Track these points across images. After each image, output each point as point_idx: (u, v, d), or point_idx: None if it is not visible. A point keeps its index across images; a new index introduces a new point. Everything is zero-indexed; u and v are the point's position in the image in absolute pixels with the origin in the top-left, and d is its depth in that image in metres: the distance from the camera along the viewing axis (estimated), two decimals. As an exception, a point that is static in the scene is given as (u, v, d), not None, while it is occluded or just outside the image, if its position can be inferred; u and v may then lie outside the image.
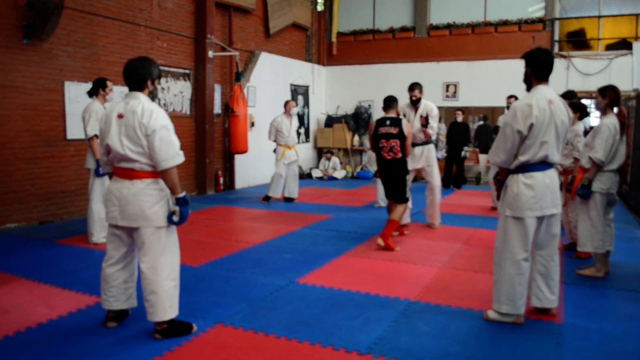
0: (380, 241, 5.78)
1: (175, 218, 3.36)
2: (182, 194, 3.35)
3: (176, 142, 3.34)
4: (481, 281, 4.67)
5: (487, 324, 3.71)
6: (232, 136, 10.02)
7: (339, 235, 6.45)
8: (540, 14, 11.91)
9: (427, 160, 6.91)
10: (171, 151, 3.27)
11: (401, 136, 5.78)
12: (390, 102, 6.04)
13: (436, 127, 7.03)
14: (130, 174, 3.33)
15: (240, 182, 11.00)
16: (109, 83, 5.98)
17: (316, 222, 7.28)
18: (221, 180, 10.53)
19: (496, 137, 3.77)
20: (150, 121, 3.23)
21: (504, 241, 3.70)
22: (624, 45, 11.20)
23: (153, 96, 3.50)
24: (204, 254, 5.49)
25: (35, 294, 4.27)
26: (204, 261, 5.24)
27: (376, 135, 5.89)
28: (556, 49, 11.62)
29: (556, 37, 11.74)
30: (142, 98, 3.36)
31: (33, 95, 6.97)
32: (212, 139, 10.06)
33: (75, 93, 7.44)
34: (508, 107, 8.22)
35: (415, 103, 6.90)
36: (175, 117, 9.35)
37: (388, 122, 5.83)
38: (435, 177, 7.02)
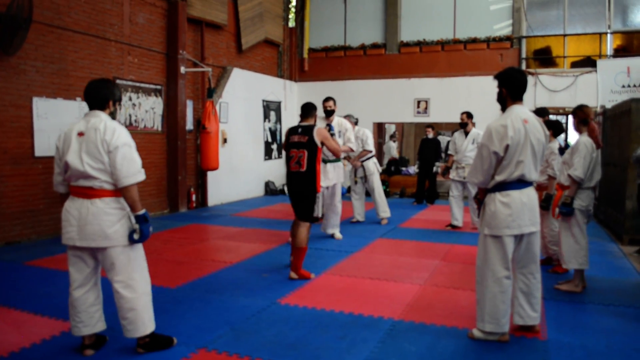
0: (292, 274, 5.29)
1: (136, 236, 3.32)
2: (142, 212, 3.33)
3: (138, 160, 3.34)
4: (463, 298, 4.68)
5: (473, 343, 3.70)
6: (203, 153, 9.87)
7: (317, 254, 6.38)
8: (507, 32, 12.20)
9: (337, 177, 7.14)
10: (132, 168, 3.27)
11: (310, 146, 5.33)
12: (307, 110, 5.66)
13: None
14: (89, 193, 3.28)
15: (213, 199, 10.85)
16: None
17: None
18: (193, 197, 10.36)
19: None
20: (112, 138, 3.23)
21: (484, 260, 3.71)
22: (588, 62, 11.55)
23: (113, 117, 3.50)
24: (181, 275, 5.36)
25: (5, 320, 4.07)
26: (182, 282, 5.11)
27: (287, 144, 5.50)
28: (523, 66, 11.90)
29: (523, 55, 12.03)
30: (103, 116, 3.38)
31: (-1, 112, 6.75)
32: (184, 155, 9.92)
33: (44, 109, 7.23)
34: (461, 124, 8.29)
35: (328, 115, 7.14)
36: (146, 133, 9.19)
37: (300, 130, 5.44)
38: (336, 197, 7.21)
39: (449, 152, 8.61)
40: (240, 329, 3.90)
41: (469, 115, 8.27)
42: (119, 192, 3.31)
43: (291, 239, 5.52)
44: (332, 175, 7.05)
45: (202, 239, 7.46)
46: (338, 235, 7.39)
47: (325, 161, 6.79)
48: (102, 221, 3.24)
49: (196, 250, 6.61)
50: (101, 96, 3.40)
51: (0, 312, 4.25)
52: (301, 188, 5.37)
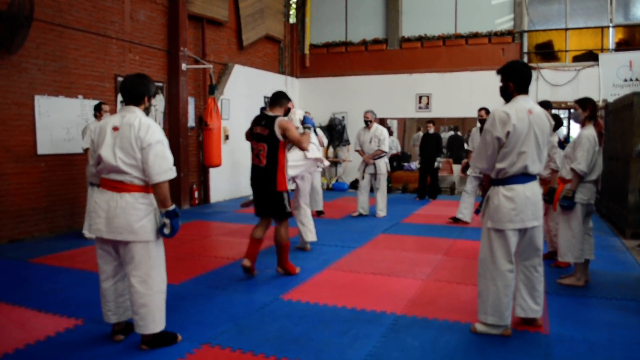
0: (279, 269, 5.24)
1: (167, 230, 3.41)
2: (172, 207, 3.40)
3: (170, 158, 3.39)
4: (465, 293, 4.68)
5: (475, 337, 3.70)
6: (205, 149, 9.90)
7: (319, 249, 6.40)
8: (509, 26, 12.17)
9: (303, 166, 6.23)
10: (164, 166, 3.33)
11: (271, 139, 4.84)
12: (276, 99, 5.12)
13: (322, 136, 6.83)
14: (119, 187, 3.34)
15: (215, 195, 10.87)
16: (103, 106, 6.81)
17: (295, 236, 7.17)
18: (196, 194, 10.38)
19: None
20: (147, 135, 3.28)
21: (488, 253, 3.70)
22: (590, 56, 11.51)
23: (147, 112, 3.57)
24: (184, 271, 5.37)
25: (10, 317, 4.09)
26: (185, 278, 5.12)
27: (251, 135, 5.08)
28: (525, 60, 11.85)
29: (525, 49, 12.00)
30: (138, 112, 3.42)
31: (2, 110, 6.75)
32: (186, 152, 9.93)
33: (46, 107, 7.25)
34: (479, 120, 8.29)
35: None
36: (148, 130, 9.18)
37: (263, 122, 4.95)
38: (302, 194, 6.31)
39: (468, 148, 8.70)
40: (244, 325, 3.92)
41: (488, 112, 8.26)
42: (148, 187, 3.38)
43: (250, 241, 5.16)
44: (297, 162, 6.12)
45: (204, 235, 7.47)
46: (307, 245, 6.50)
47: None
48: (129, 215, 3.30)
49: (199, 247, 6.62)
50: (137, 92, 3.45)
51: (4, 309, 4.27)
52: (263, 185, 4.98)
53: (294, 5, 14.21)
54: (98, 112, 6.84)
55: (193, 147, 10.37)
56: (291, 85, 13.81)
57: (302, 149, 5.16)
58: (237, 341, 3.60)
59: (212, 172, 10.65)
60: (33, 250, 6.40)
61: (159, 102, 9.49)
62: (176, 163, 9.84)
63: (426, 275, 5.26)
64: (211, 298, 4.55)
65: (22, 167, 7.01)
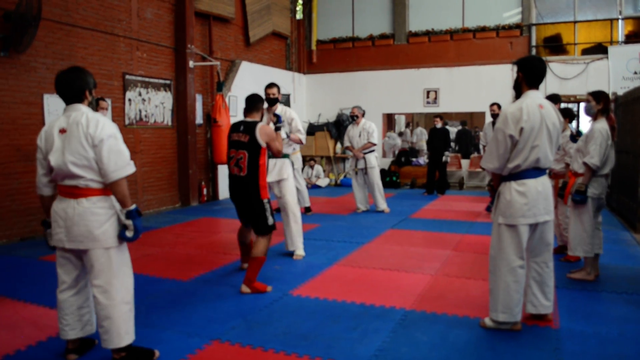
0: (245, 288, 4.59)
1: (129, 233, 3.14)
2: (132, 207, 3.14)
3: (126, 152, 3.13)
4: (474, 288, 4.68)
5: (485, 332, 3.70)
6: (215, 146, 9.93)
7: (328, 245, 6.41)
8: (517, 19, 12.09)
9: (279, 173, 5.96)
10: (120, 161, 3.07)
11: (252, 147, 4.58)
12: (252, 103, 4.82)
13: (304, 134, 6.59)
14: (75, 192, 3.09)
15: (224, 192, 10.89)
16: (101, 102, 6.82)
17: (304, 232, 7.15)
18: (205, 191, 10.42)
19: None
20: (97, 131, 3.03)
21: (498, 249, 3.69)
22: (599, 49, 11.42)
23: (92, 107, 3.31)
24: (193, 268, 5.40)
25: (22, 314, 4.14)
26: (194, 275, 5.15)
27: (229, 143, 4.77)
28: (533, 54, 11.78)
29: (533, 43, 11.91)
30: (83, 109, 3.15)
31: (11, 109, 6.81)
32: (194, 149, 9.96)
33: (55, 106, 7.29)
34: (492, 115, 8.31)
35: (272, 103, 6.28)
36: (156, 128, 9.23)
37: (242, 128, 4.67)
38: (289, 193, 5.95)
39: (482, 143, 9.05)
40: (253, 321, 3.94)
41: (500, 107, 8.29)
42: (106, 190, 3.13)
43: (240, 246, 5.17)
44: (274, 172, 5.96)
45: (213, 232, 7.50)
46: (299, 253, 5.93)
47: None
48: (89, 222, 3.06)
49: (208, 244, 6.65)
50: (76, 89, 3.18)
51: (17, 306, 4.32)
52: (245, 196, 4.68)
53: (300, 1, 14.21)
54: (94, 108, 6.79)
55: (201, 144, 10.40)
56: (298, 82, 13.82)
57: (278, 156, 5.16)
58: (247, 337, 3.62)
59: (221, 169, 10.67)
60: (44, 247, 6.40)
61: (166, 100, 9.52)
62: (184, 160, 9.99)
63: (435, 270, 5.25)
64: (220, 294, 4.57)
65: (32, 166, 6.99)
